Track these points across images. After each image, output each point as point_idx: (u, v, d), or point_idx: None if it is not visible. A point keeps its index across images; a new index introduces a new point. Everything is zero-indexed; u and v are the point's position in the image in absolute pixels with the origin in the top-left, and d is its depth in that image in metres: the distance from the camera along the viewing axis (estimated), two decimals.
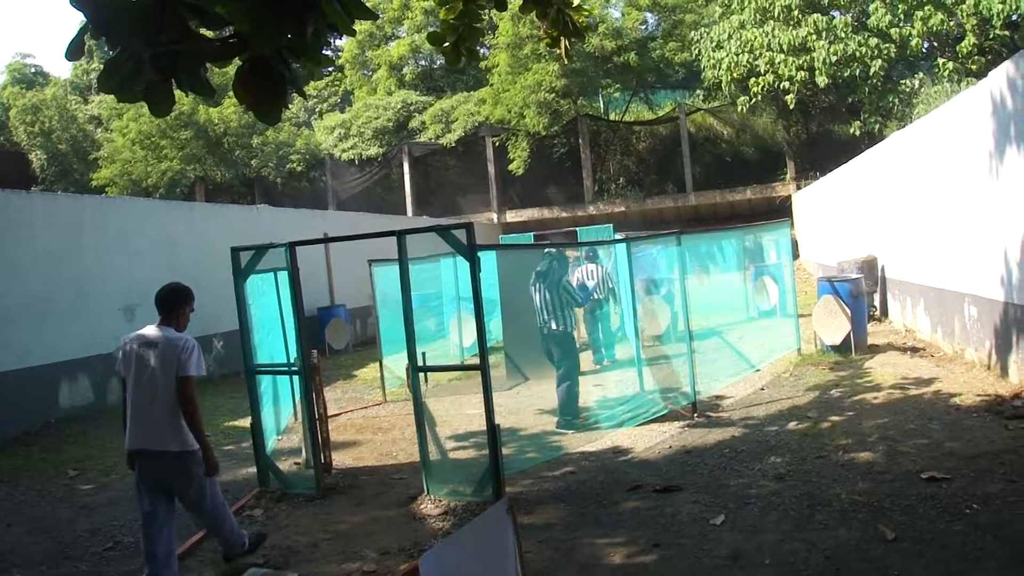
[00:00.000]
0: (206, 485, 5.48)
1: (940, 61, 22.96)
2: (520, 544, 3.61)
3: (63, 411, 11.62)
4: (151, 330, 5.41)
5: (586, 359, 13.52)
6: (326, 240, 8.58)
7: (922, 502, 5.73)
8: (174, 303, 5.49)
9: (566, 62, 12.72)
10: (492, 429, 6.65)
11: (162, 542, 5.33)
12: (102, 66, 2.88)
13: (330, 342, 17.30)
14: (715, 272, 13.57)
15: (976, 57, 22.71)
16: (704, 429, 8.65)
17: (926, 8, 22.60)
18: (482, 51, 32.64)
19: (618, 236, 19.46)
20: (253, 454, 7.78)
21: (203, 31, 2.96)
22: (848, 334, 11.74)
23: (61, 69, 75.37)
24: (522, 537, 3.83)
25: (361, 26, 33.78)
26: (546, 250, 9.90)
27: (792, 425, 8.38)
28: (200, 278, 14.35)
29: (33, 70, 46.33)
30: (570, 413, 9.32)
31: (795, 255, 17.98)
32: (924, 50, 24.47)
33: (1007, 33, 22.56)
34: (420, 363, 7.28)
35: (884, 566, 4.85)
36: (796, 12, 24.44)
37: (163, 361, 5.25)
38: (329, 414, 8.70)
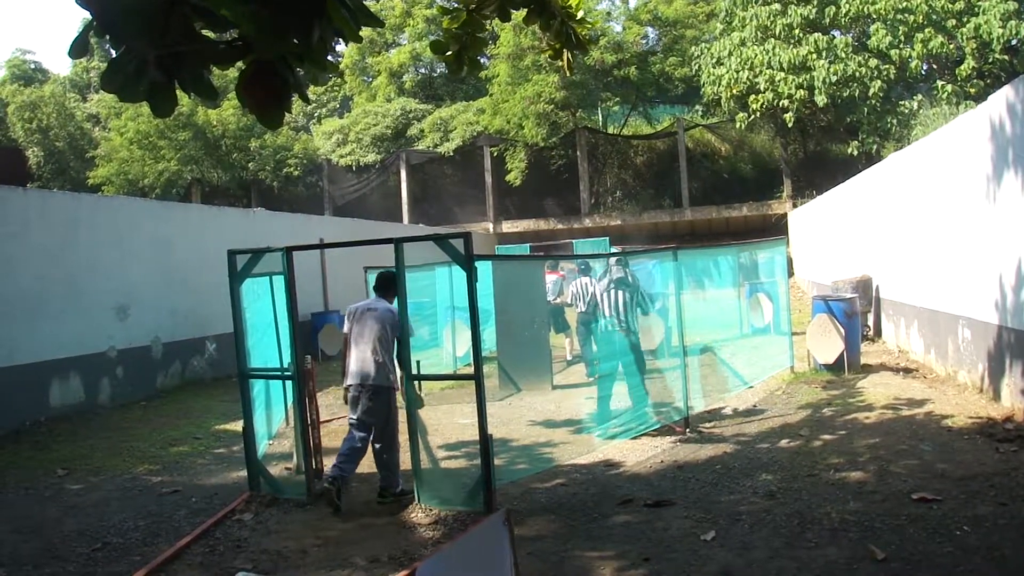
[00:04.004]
0: (394, 420, 7.26)
1: (939, 84, 23.07)
2: (516, 557, 3.59)
3: (53, 410, 11.57)
4: (372, 300, 7.56)
5: (579, 371, 13.55)
6: (322, 246, 8.54)
7: (912, 523, 5.72)
8: (391, 285, 7.42)
9: (568, 74, 12.73)
10: (485, 439, 6.63)
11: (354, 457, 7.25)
12: (104, 65, 2.88)
13: (324, 348, 17.24)
14: (710, 288, 13.55)
15: (975, 80, 22.84)
16: (696, 444, 8.64)
17: (926, 31, 22.73)
18: (483, 61, 32.70)
19: (614, 249, 19.49)
20: (244, 458, 7.74)
21: (208, 33, 2.95)
22: (842, 353, 11.76)
23: (60, 66, 75.44)
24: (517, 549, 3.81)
25: (363, 32, 33.84)
26: (616, 259, 10.06)
27: (784, 443, 8.38)
28: (194, 280, 14.49)
29: (32, 66, 46.30)
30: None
31: (790, 273, 17.99)
32: (923, 72, 24.60)
33: (1006, 57, 22.71)
34: (414, 371, 7.28)
35: None
36: (797, 31, 24.57)
37: (383, 321, 7.22)
38: (321, 420, 8.68)
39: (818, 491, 6.65)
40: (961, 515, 5.80)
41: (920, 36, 22.83)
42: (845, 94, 23.65)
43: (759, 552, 5.46)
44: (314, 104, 40.84)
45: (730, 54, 25.66)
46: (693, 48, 29.19)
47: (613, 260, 9.98)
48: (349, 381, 7.26)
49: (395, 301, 7.40)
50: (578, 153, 32.68)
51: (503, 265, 12.67)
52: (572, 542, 5.96)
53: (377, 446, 7.27)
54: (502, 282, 12.07)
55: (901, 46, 23.40)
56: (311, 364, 8.09)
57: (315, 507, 7.24)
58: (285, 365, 8.19)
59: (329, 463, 8.42)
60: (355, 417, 7.22)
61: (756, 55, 24.71)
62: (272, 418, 9.43)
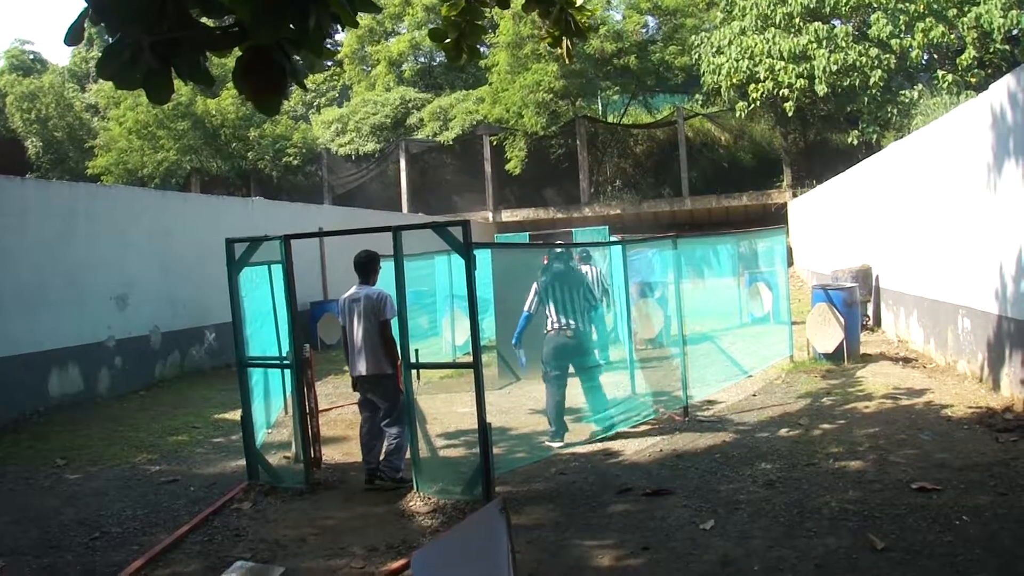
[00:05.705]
0: (399, 404, 7.19)
1: (940, 73, 23.00)
2: (513, 546, 3.57)
3: (53, 400, 11.57)
4: (354, 290, 7.42)
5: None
6: (321, 234, 8.54)
7: (912, 512, 5.72)
8: (369, 267, 7.48)
9: (567, 62, 12.69)
10: (483, 428, 6.61)
11: (375, 442, 7.41)
12: (101, 53, 2.85)
13: (322, 337, 17.24)
14: (709, 277, 13.55)
15: (976, 70, 22.76)
16: (695, 433, 8.63)
17: (927, 20, 22.64)
18: (482, 49, 32.59)
19: (613, 238, 19.46)
20: (243, 447, 7.74)
21: (204, 19, 2.93)
22: (841, 343, 11.75)
23: (59, 56, 75.24)
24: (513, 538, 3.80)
25: (362, 20, 33.71)
26: (556, 250, 9.34)
27: (783, 432, 8.37)
28: (193, 269, 14.48)
29: (31, 57, 46.13)
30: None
31: (790, 262, 17.98)
32: (924, 62, 24.51)
33: (1007, 47, 22.64)
34: (413, 360, 7.27)
35: None
36: (797, 20, 24.47)
37: (367, 311, 7.22)
38: (320, 409, 8.67)
39: (817, 480, 6.64)
40: (961, 505, 5.80)
41: (921, 25, 22.73)
42: (845, 83, 23.57)
43: (758, 541, 5.45)
44: (313, 93, 40.69)
45: (730, 43, 25.56)
46: (693, 37, 29.07)
47: (554, 253, 9.19)
48: (352, 373, 7.47)
49: (377, 281, 7.58)
50: (578, 142, 32.60)
51: (502, 253, 12.62)
52: (570, 531, 5.95)
53: (384, 423, 7.35)
54: (501, 270, 12.04)
55: (902, 35, 23.31)
56: (310, 353, 8.08)
57: (314, 496, 7.24)
58: (284, 354, 8.19)
59: (328, 452, 8.47)
60: (361, 398, 7.53)
61: (756, 44, 24.62)
62: (271, 407, 9.43)
